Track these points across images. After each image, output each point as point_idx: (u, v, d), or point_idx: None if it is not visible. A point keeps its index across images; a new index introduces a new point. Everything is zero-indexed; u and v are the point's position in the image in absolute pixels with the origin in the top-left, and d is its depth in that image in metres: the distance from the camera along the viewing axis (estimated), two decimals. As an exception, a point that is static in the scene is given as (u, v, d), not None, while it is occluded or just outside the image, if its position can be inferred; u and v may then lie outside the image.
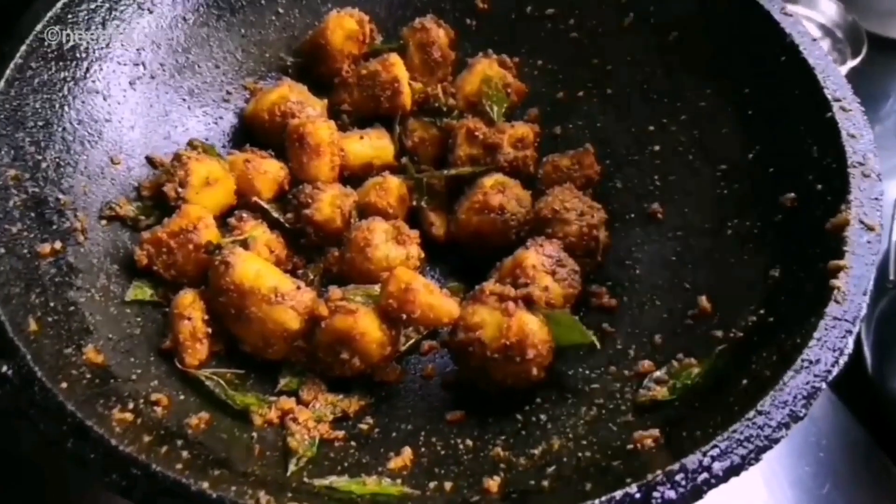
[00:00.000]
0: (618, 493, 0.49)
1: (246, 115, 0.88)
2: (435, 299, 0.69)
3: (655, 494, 0.49)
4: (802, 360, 0.55)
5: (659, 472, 0.50)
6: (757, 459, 0.51)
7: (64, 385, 0.54)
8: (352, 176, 0.86)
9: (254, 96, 0.89)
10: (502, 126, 0.87)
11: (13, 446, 0.80)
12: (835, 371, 0.55)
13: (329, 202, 0.79)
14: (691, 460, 0.50)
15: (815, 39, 0.75)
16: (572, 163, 0.85)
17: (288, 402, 0.67)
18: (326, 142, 0.81)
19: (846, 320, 0.57)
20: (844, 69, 1.22)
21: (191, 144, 0.83)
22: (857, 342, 0.91)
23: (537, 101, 0.93)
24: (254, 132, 0.87)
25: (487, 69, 0.90)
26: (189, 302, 0.70)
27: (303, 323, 0.69)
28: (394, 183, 0.84)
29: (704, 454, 0.50)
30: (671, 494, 0.49)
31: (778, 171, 0.73)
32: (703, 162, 0.80)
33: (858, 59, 1.25)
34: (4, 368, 0.53)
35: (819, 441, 0.86)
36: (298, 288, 0.71)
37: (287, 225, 0.80)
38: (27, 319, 0.59)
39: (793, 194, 0.69)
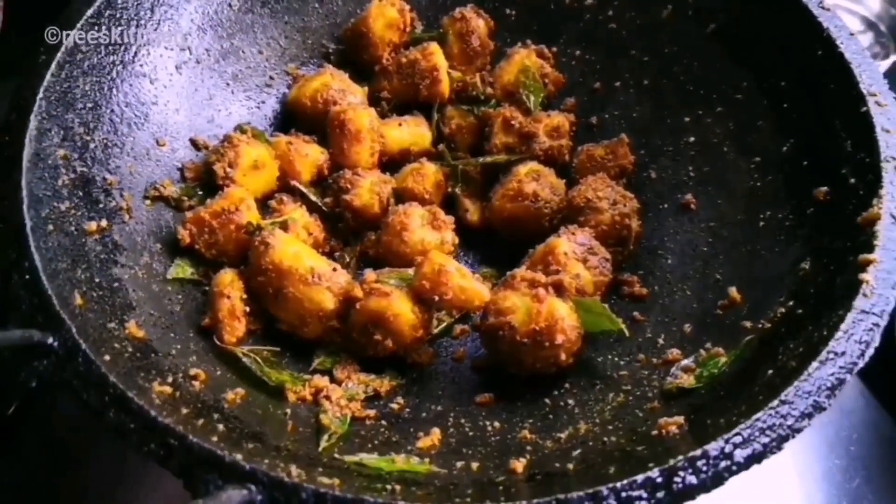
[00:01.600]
0: (639, 477, 0.50)
1: (288, 101, 0.90)
2: (467, 283, 0.71)
3: (677, 479, 0.50)
4: (828, 352, 0.56)
5: (681, 457, 0.51)
6: (779, 448, 0.52)
7: (107, 357, 0.56)
8: (390, 161, 0.88)
9: (296, 82, 0.91)
10: (538, 115, 0.89)
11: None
12: (860, 363, 0.56)
13: (368, 188, 0.82)
14: (713, 447, 0.51)
15: (852, 34, 0.75)
16: (607, 152, 0.86)
17: (321, 381, 0.70)
18: (366, 128, 0.84)
19: (874, 314, 0.57)
20: (887, 63, 1.22)
21: (241, 129, 0.85)
22: (893, 338, 0.90)
23: (574, 90, 0.94)
24: (296, 118, 0.90)
25: (525, 59, 0.92)
26: (229, 281, 0.73)
27: (338, 303, 0.71)
28: (430, 169, 0.86)
29: (727, 441, 0.51)
30: (692, 480, 0.50)
31: (812, 165, 0.73)
32: (737, 154, 0.81)
33: (899, 54, 1.24)
34: (50, 340, 0.55)
35: (850, 435, 0.87)
36: (335, 269, 0.73)
37: (325, 209, 0.82)
38: (73, 294, 0.61)
39: (826, 188, 0.70)
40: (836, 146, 0.71)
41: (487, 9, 0.96)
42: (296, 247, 0.72)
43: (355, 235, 0.83)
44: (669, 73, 0.89)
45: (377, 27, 0.91)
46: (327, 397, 0.68)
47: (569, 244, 0.75)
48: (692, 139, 0.85)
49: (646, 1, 0.91)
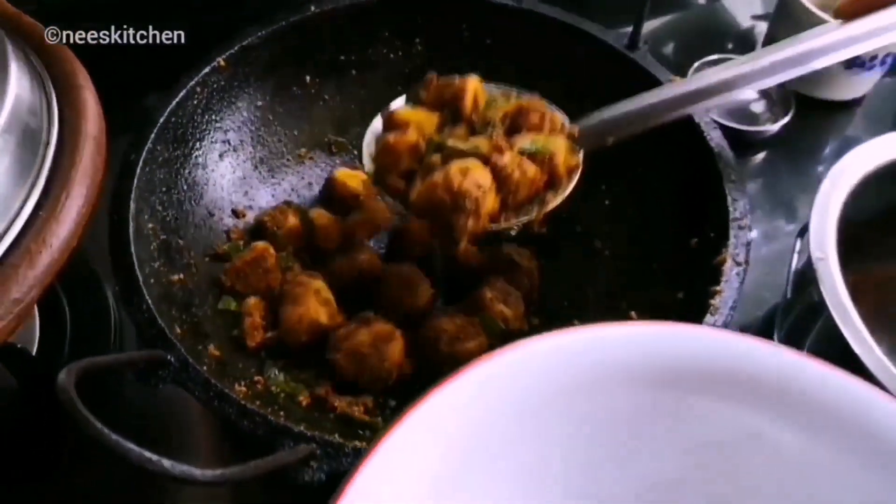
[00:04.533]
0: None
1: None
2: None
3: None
4: (686, 351, 0.82)
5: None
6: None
7: (204, 368, 0.79)
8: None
9: (303, 164, 1.19)
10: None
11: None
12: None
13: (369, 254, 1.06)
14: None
15: (717, 127, 1.02)
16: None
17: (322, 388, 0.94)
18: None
19: (716, 326, 0.83)
20: (777, 126, 1.48)
21: (288, 203, 1.11)
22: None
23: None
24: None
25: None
26: (252, 304, 0.99)
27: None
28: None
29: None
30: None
31: (690, 223, 0.98)
32: (641, 212, 1.07)
33: (788, 118, 1.49)
34: (169, 357, 0.78)
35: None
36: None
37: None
38: (174, 326, 0.84)
39: (696, 239, 0.96)
40: (704, 210, 0.96)
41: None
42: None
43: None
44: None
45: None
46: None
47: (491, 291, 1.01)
48: (607, 202, 1.12)
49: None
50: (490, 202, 0.87)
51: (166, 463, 0.58)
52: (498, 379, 0.60)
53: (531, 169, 0.90)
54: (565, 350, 0.63)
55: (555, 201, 0.93)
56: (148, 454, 0.57)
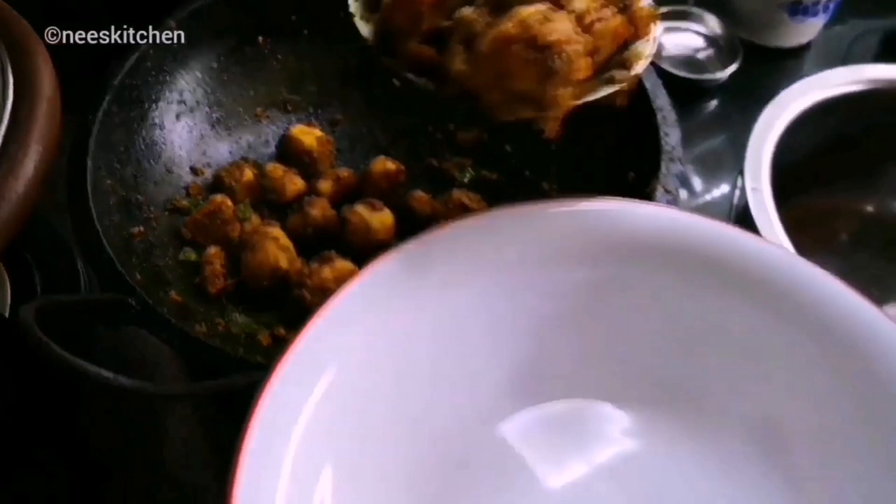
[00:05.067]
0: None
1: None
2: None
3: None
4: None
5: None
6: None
7: (165, 310, 0.83)
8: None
9: (259, 123, 1.22)
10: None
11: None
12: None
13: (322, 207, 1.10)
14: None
15: (652, 71, 1.04)
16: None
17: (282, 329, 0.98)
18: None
19: None
20: (727, 72, 1.52)
21: (245, 159, 1.16)
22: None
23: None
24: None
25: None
26: (213, 252, 1.02)
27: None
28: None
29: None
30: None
31: (628, 158, 1.03)
32: (584, 153, 1.11)
33: (737, 65, 1.52)
34: (130, 300, 0.82)
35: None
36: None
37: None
38: (135, 273, 0.88)
39: (633, 173, 1.00)
40: (639, 145, 1.00)
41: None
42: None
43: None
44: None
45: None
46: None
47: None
48: (553, 147, 1.11)
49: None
50: (583, 64, 0.63)
51: (123, 379, 0.62)
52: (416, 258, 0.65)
53: (614, 18, 0.67)
54: (493, 229, 0.69)
55: (642, 61, 0.72)
56: (105, 373, 0.62)
